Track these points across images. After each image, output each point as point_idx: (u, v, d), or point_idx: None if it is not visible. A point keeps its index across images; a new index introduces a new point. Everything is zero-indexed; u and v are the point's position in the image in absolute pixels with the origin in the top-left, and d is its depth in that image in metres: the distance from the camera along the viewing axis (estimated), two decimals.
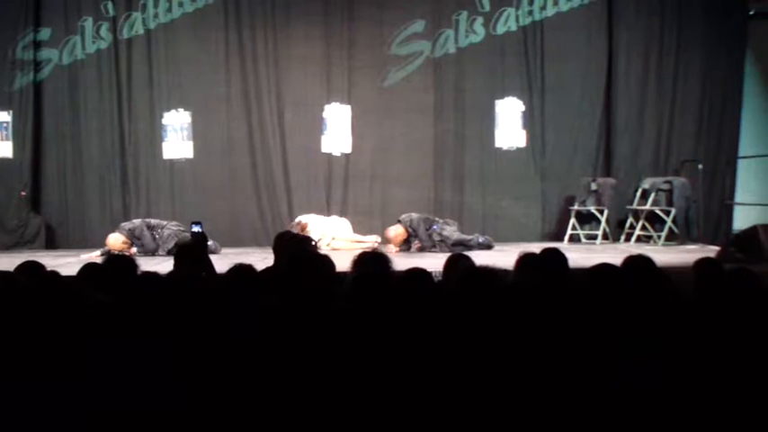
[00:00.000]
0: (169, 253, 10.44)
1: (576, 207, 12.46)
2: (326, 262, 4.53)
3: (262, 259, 8.72)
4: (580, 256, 9.35)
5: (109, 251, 10.40)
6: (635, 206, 12.44)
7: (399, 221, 11.28)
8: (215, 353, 3.24)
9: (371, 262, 4.52)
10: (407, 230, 11.18)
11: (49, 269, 5.06)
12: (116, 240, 10.85)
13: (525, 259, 4.79)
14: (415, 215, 11.30)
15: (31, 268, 4.95)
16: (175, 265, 5.31)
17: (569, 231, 12.39)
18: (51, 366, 3.04)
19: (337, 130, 12.67)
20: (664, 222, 11.94)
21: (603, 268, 4.10)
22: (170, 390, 2.84)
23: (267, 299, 3.93)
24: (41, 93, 12.59)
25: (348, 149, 12.71)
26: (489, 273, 3.56)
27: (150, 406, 2.75)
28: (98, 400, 2.72)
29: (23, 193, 12.43)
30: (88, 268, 4.75)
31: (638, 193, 12.48)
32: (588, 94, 12.87)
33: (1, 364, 3.08)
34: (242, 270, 4.52)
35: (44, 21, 12.52)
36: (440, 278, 5.00)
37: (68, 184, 12.59)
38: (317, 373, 3.18)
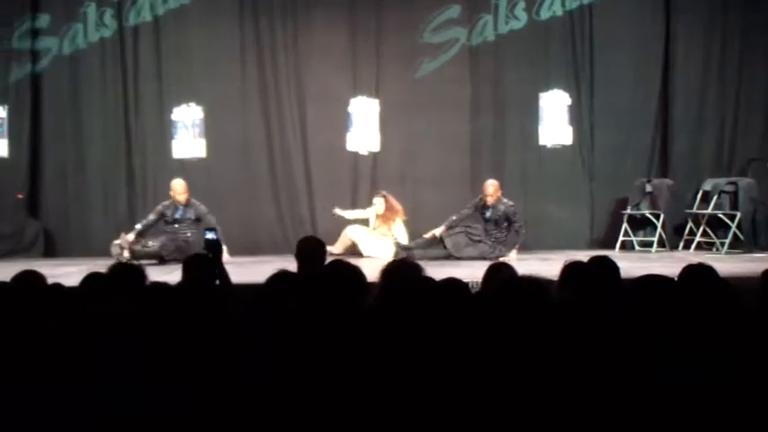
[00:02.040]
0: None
1: (628, 211, 12.41)
2: (355, 271, 4.55)
3: (281, 267, 8.72)
4: (633, 265, 9.30)
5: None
6: (695, 210, 12.38)
7: None
8: (226, 363, 3.29)
9: (402, 270, 4.53)
10: None
11: (48, 279, 5.10)
12: (180, 185, 11.20)
13: (571, 269, 4.77)
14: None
15: (29, 278, 4.98)
16: (185, 275, 5.34)
17: (621, 238, 12.35)
18: (52, 371, 3.14)
19: (364, 126, 12.70)
20: (727, 228, 11.86)
21: (652, 280, 4.07)
22: (177, 395, 2.91)
23: (281, 309, 3.96)
24: (40, 86, 12.71)
25: (376, 148, 12.74)
26: (533, 283, 3.57)
27: (156, 411, 2.82)
28: (99, 405, 2.80)
29: (20, 196, 12.54)
30: (92, 279, 4.79)
31: (699, 196, 12.42)
32: (642, 85, 12.82)
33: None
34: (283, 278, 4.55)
35: (43, 6, 12.64)
36: (477, 288, 5.00)
37: (69, 186, 12.70)
38: (337, 390, 3.20)
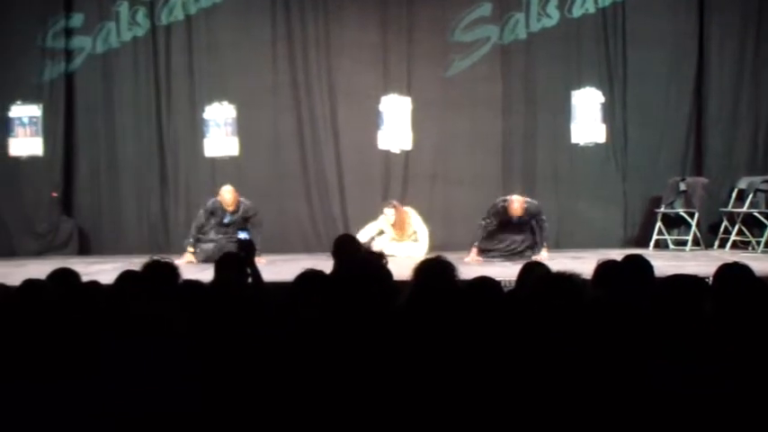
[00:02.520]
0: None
1: (662, 209, 12.34)
2: (384, 270, 4.56)
3: (312, 266, 8.75)
4: (667, 264, 9.26)
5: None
6: (730, 208, 12.29)
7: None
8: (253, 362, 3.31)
9: (434, 270, 4.53)
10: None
11: (83, 277, 5.15)
12: (229, 194, 11.11)
13: (605, 268, 4.77)
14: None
15: (64, 276, 5.03)
16: (217, 274, 5.37)
17: (655, 236, 12.28)
18: (73, 367, 3.19)
19: (395, 124, 12.70)
20: (763, 226, 11.77)
21: (681, 280, 4.04)
22: (198, 392, 2.94)
23: (309, 310, 3.98)
24: (73, 85, 12.81)
25: (407, 146, 12.74)
26: (568, 280, 3.56)
27: (179, 408, 2.86)
28: (118, 401, 2.84)
29: (54, 195, 12.65)
30: (126, 277, 4.83)
31: (734, 194, 12.34)
32: (676, 83, 12.74)
33: (27, 366, 3.22)
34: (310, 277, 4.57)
35: (76, 6, 12.74)
36: (510, 287, 5.00)
37: (102, 184, 12.79)
38: (367, 390, 3.21)
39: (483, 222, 11.00)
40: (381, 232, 11.74)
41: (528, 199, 11.13)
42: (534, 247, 10.98)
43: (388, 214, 11.64)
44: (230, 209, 11.10)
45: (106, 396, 2.87)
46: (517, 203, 10.89)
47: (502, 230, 11.04)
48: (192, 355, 2.99)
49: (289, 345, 3.49)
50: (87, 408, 2.85)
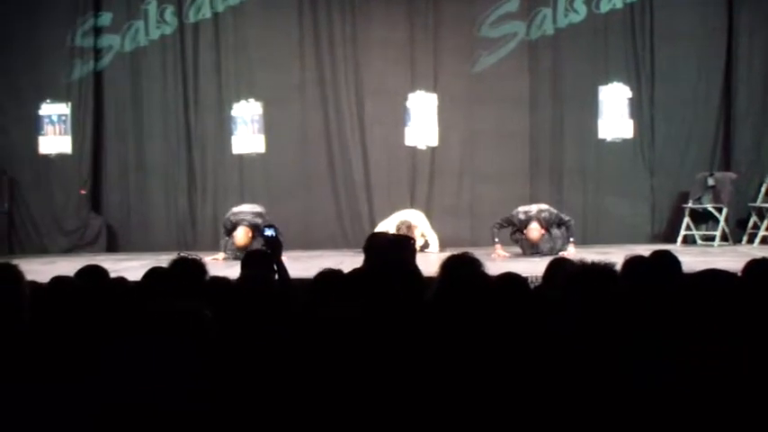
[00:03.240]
0: None
1: (690, 205, 12.27)
2: (416, 270, 4.59)
3: (338, 263, 8.76)
4: (695, 259, 9.20)
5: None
6: (759, 203, 12.20)
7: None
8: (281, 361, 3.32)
9: (461, 265, 4.52)
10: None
11: (111, 274, 5.18)
12: (244, 235, 10.82)
13: (632, 263, 4.74)
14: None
15: (93, 273, 5.06)
16: (243, 271, 5.38)
17: (683, 232, 12.21)
18: (76, 366, 3.24)
19: (422, 120, 12.69)
20: None
21: (713, 275, 4.01)
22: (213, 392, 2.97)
23: (347, 308, 3.98)
24: (102, 83, 12.91)
25: (434, 142, 12.73)
26: (601, 272, 3.54)
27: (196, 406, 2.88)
28: (126, 398, 2.87)
29: (83, 192, 12.74)
30: (154, 273, 4.85)
31: (763, 189, 12.25)
32: (704, 77, 12.65)
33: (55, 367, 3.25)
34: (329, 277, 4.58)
35: (105, 5, 12.82)
36: (537, 283, 4.98)
37: (131, 181, 12.87)
38: (394, 388, 3.21)
39: (496, 228, 10.97)
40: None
41: (544, 210, 11.01)
42: (560, 247, 10.88)
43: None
44: (241, 247, 10.72)
45: (113, 395, 2.89)
46: (536, 233, 10.80)
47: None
48: (205, 353, 3.00)
49: (314, 342, 3.48)
50: (92, 407, 2.88)
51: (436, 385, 3.25)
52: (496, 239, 10.94)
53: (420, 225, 11.50)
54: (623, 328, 3.38)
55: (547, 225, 10.90)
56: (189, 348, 2.89)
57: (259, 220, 10.76)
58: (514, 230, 11.05)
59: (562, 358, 3.22)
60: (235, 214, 11.05)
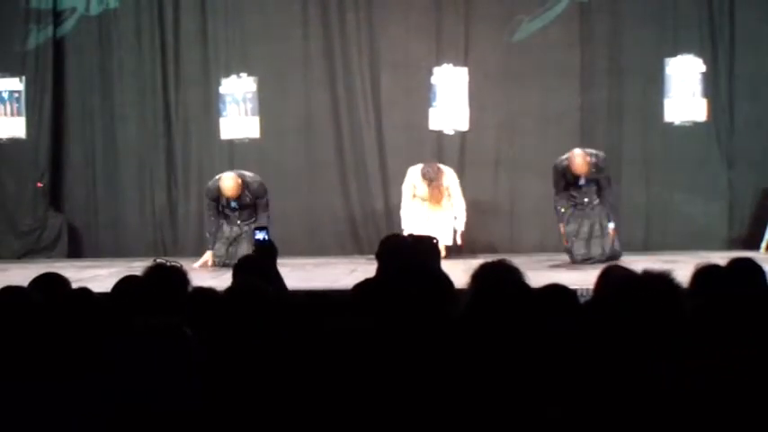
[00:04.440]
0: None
1: None
2: (444, 278, 4.60)
3: (349, 272, 8.79)
4: None
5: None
6: None
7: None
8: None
9: (497, 275, 4.53)
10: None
11: (73, 284, 5.19)
12: (233, 183, 11.05)
13: (705, 273, 4.73)
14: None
15: (51, 282, 5.07)
16: (235, 280, 5.40)
17: None
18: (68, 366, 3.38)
19: (450, 100, 12.66)
20: None
21: None
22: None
23: (359, 320, 3.99)
24: (63, 53, 12.96)
25: (464, 126, 12.70)
26: (659, 281, 3.53)
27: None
28: (115, 399, 3.04)
29: (40, 185, 12.77)
30: (126, 283, 4.86)
31: None
32: None
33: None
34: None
35: None
36: (587, 297, 4.98)
37: (98, 172, 12.91)
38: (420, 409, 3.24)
39: (558, 204, 11.18)
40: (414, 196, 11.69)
41: (591, 150, 11.21)
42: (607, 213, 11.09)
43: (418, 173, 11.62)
44: (232, 195, 11.08)
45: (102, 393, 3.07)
46: (579, 158, 10.99)
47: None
48: (184, 376, 3.12)
49: (319, 367, 3.52)
50: (80, 405, 3.10)
51: (467, 415, 3.27)
52: (561, 224, 11.16)
53: (448, 180, 11.59)
54: (688, 351, 3.38)
55: (595, 170, 11.03)
56: (167, 372, 2.97)
57: (249, 178, 11.08)
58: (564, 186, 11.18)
59: (616, 389, 3.23)
60: (217, 178, 11.22)
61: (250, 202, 11.11)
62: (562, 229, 11.12)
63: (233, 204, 11.14)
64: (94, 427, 3.04)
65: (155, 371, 3.04)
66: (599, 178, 11.10)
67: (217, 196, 11.16)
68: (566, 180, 11.17)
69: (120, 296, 4.78)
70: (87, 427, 3.08)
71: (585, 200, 11.05)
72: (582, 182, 11.12)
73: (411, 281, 4.46)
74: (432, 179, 11.48)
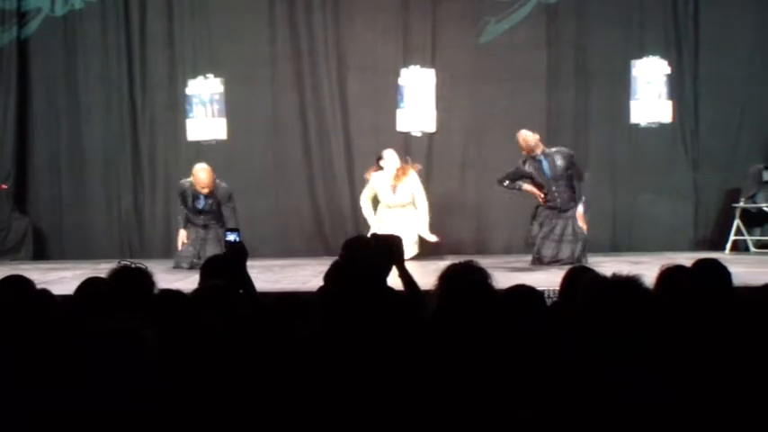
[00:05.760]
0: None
1: (741, 204, 12.31)
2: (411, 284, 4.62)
3: (318, 273, 8.73)
4: (748, 270, 9.22)
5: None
6: None
7: None
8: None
9: (463, 277, 4.52)
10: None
11: (38, 286, 5.16)
12: (206, 173, 10.95)
13: (671, 275, 4.74)
14: None
15: (15, 285, 5.03)
16: (202, 282, 5.38)
17: (732, 237, 12.25)
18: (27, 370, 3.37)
19: (417, 102, 12.66)
20: None
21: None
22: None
23: (326, 324, 3.99)
24: (28, 54, 12.88)
25: (432, 128, 12.71)
26: (626, 286, 3.54)
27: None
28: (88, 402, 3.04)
29: (5, 187, 12.69)
30: (90, 286, 4.83)
31: None
32: (760, 50, 12.71)
33: None
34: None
35: None
36: (553, 298, 4.98)
37: (63, 174, 12.85)
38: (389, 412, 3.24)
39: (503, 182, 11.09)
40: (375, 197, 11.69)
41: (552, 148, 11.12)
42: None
43: (388, 158, 11.57)
44: (205, 191, 10.93)
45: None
46: (522, 133, 10.87)
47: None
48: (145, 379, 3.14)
49: (287, 369, 3.52)
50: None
51: (435, 417, 3.27)
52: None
53: (412, 183, 11.60)
54: (655, 352, 3.39)
55: (567, 162, 10.94)
56: (122, 374, 3.00)
57: (219, 181, 11.02)
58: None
59: (581, 387, 3.23)
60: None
61: (214, 207, 11.03)
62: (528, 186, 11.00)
63: (201, 205, 11.05)
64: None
65: (110, 373, 3.06)
66: (572, 173, 11.06)
67: (184, 190, 11.05)
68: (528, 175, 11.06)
69: (83, 298, 4.75)
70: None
71: (559, 201, 11.03)
72: (546, 167, 11.03)
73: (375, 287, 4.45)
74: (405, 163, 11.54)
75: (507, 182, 11.03)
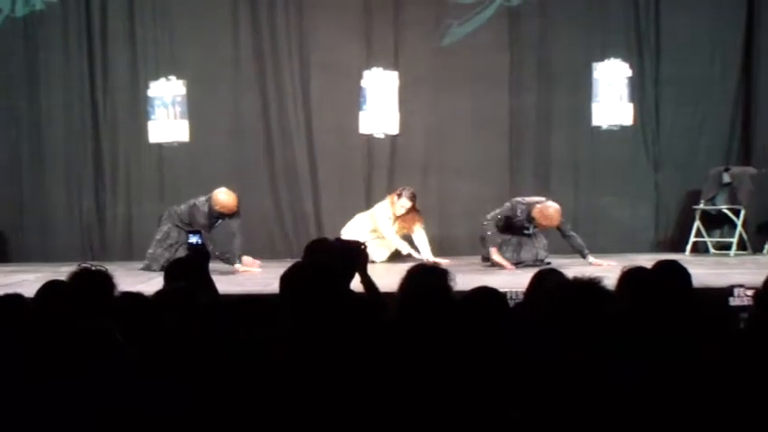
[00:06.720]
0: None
1: (701, 206, 12.38)
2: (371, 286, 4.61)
3: (277, 276, 8.72)
4: (708, 272, 9.29)
5: None
6: None
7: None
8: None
9: (425, 279, 4.53)
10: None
11: (1, 290, 5.13)
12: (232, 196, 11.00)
13: (631, 277, 4.77)
14: None
15: None
16: (166, 284, 5.37)
17: (692, 239, 12.31)
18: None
19: (380, 104, 12.66)
20: None
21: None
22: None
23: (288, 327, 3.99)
24: None
25: (394, 130, 12.71)
26: (585, 289, 3.56)
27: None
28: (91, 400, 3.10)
29: None
30: (50, 288, 4.81)
31: None
32: (720, 54, 12.77)
33: None
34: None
35: None
36: (516, 300, 5.00)
37: (24, 176, 12.76)
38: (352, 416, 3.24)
39: (489, 229, 10.99)
40: (375, 230, 11.68)
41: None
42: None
43: (402, 204, 11.59)
44: (231, 212, 11.02)
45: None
46: (554, 210, 10.86)
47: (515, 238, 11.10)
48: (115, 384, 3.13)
49: (248, 370, 3.52)
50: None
51: (395, 414, 3.28)
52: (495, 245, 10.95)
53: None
54: (614, 352, 3.41)
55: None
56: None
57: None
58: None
59: (542, 388, 3.25)
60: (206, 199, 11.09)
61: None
62: (497, 257, 10.85)
63: (215, 226, 11.06)
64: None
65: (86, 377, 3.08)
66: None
67: (207, 212, 11.03)
68: (512, 224, 11.04)
69: (44, 302, 4.74)
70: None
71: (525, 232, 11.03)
72: (530, 231, 11.07)
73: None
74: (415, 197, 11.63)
75: (496, 230, 10.97)
